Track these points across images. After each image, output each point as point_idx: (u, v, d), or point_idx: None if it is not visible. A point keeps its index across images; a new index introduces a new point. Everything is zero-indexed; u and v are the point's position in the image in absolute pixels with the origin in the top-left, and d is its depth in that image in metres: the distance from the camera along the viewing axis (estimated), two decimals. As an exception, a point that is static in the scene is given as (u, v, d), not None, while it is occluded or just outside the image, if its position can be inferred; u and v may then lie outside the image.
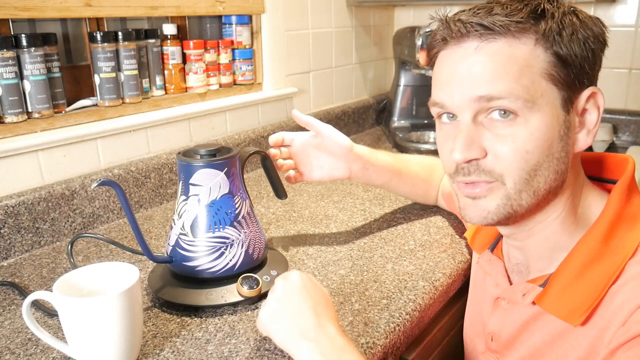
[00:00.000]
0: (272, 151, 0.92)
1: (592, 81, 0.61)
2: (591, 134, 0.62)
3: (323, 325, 0.60)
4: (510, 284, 0.72)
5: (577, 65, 0.59)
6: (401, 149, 1.60)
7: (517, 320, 0.69)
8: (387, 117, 1.82)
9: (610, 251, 0.60)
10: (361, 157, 0.93)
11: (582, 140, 0.62)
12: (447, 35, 0.61)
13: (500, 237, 0.77)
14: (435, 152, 1.60)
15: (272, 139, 0.92)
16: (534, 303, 0.66)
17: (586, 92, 0.61)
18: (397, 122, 1.76)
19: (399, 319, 0.74)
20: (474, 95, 0.59)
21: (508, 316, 0.70)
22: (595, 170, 0.70)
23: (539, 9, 0.58)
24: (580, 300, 0.60)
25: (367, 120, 1.89)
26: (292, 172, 0.93)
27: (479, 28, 0.58)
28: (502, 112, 0.59)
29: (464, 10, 0.61)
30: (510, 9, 0.58)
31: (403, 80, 1.75)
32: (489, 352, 0.75)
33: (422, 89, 1.75)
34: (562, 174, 0.61)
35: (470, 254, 0.94)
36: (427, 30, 1.52)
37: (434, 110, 0.66)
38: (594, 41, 0.59)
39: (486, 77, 0.59)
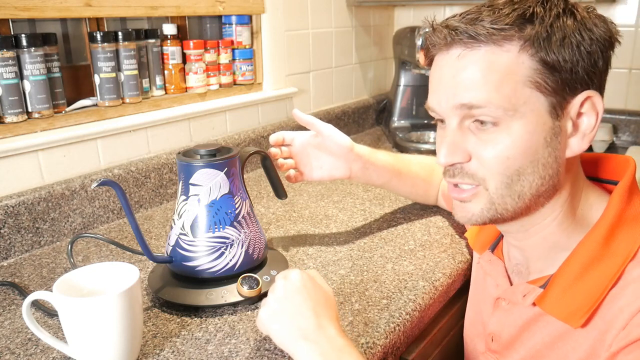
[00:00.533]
0: (273, 150, 0.92)
1: (590, 84, 0.59)
2: (587, 138, 0.61)
3: (323, 326, 0.60)
4: (511, 284, 0.73)
5: (567, 70, 0.57)
6: (401, 149, 1.60)
7: (518, 321, 0.69)
8: (387, 117, 1.82)
9: (610, 253, 0.60)
10: (361, 156, 0.93)
11: (576, 145, 0.61)
12: (435, 42, 0.62)
13: (500, 237, 0.77)
14: (435, 152, 1.59)
15: (273, 138, 0.92)
16: (534, 304, 0.66)
17: (581, 96, 0.59)
18: (397, 122, 1.76)
19: (399, 319, 0.74)
20: (457, 103, 0.60)
21: (508, 317, 0.70)
22: (596, 171, 0.70)
23: (528, 13, 0.57)
24: (581, 302, 0.60)
25: (367, 120, 1.89)
26: (292, 172, 0.93)
27: (462, 36, 0.58)
28: (481, 122, 0.60)
29: (455, 16, 0.61)
30: (498, 15, 0.57)
31: (403, 80, 1.75)
32: (489, 352, 0.75)
33: (422, 89, 1.75)
34: (550, 178, 0.61)
35: (471, 254, 0.94)
36: (427, 30, 1.52)
37: (430, 113, 0.67)
38: (592, 43, 0.58)
39: (466, 85, 0.59)
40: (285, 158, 0.93)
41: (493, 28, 0.57)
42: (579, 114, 0.61)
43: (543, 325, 0.65)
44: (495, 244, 0.78)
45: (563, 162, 0.62)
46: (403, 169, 0.99)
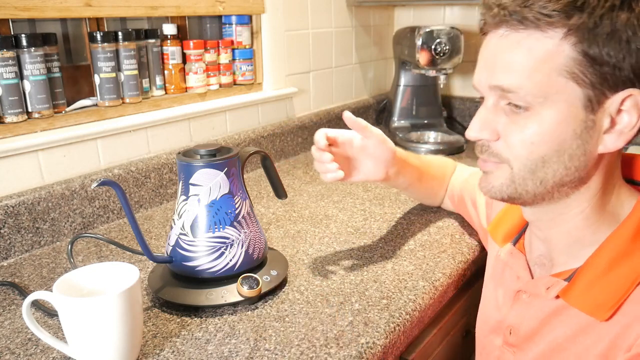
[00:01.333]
0: (325, 157, 0.83)
1: (636, 83, 0.56)
2: (624, 137, 0.58)
3: None
4: (532, 277, 0.72)
5: (610, 65, 0.55)
6: (401, 148, 1.59)
7: (539, 314, 0.68)
8: (387, 117, 1.82)
9: (639, 249, 0.60)
10: (401, 160, 0.92)
11: (611, 142, 0.59)
12: (487, 19, 0.61)
13: (523, 231, 0.77)
14: (434, 152, 1.60)
15: (322, 140, 0.84)
16: (557, 297, 0.65)
17: (623, 93, 0.57)
18: (397, 122, 1.76)
19: (399, 319, 0.75)
20: (492, 84, 0.60)
21: (529, 309, 0.70)
22: (631, 172, 0.69)
23: (580, 2, 0.55)
24: (608, 296, 0.60)
25: (367, 120, 1.86)
26: (339, 173, 0.83)
27: (510, 17, 0.58)
28: (515, 105, 0.60)
29: None
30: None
31: (403, 80, 1.75)
32: (506, 345, 0.74)
33: (422, 89, 1.75)
34: (576, 170, 0.60)
35: (481, 249, 0.94)
36: (427, 30, 1.52)
37: (475, 91, 0.66)
38: None
39: (503, 66, 0.59)
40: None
41: (540, 13, 0.56)
42: (619, 111, 0.58)
43: (565, 318, 0.65)
44: (517, 238, 0.77)
45: (594, 157, 0.60)
46: (424, 171, 0.99)
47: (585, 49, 0.55)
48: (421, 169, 0.98)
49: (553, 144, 0.59)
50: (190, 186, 0.76)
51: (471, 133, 0.64)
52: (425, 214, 1.10)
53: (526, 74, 0.57)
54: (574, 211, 0.64)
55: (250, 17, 1.41)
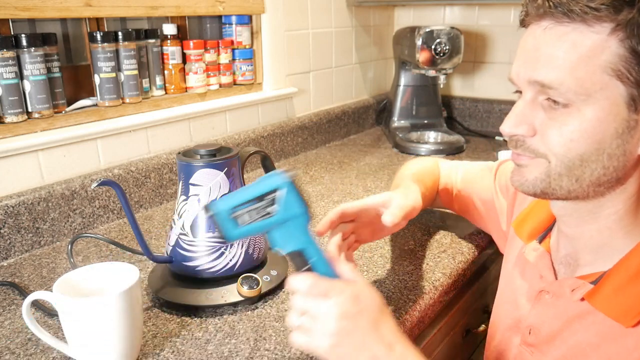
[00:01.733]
0: (335, 244, 0.73)
1: None
2: None
3: (391, 345, 0.56)
4: (556, 277, 0.70)
5: None
6: (401, 148, 1.60)
7: (561, 316, 0.66)
8: (387, 117, 1.82)
9: None
10: (421, 206, 0.88)
11: None
12: (530, 11, 0.60)
13: (549, 230, 0.75)
14: (434, 152, 1.59)
15: (332, 247, 0.72)
16: (582, 299, 0.63)
17: None
18: (397, 122, 1.76)
19: (399, 319, 0.75)
20: (531, 78, 0.59)
21: (551, 310, 0.68)
22: None
23: None
24: (636, 301, 0.58)
25: (367, 120, 1.89)
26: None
27: (555, 10, 0.56)
28: (554, 101, 0.58)
29: None
30: None
31: (403, 80, 1.75)
32: (524, 345, 0.72)
33: (422, 89, 1.75)
34: (614, 170, 0.59)
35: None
36: (427, 30, 1.52)
37: (511, 84, 0.65)
38: None
39: (544, 61, 0.57)
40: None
41: (588, 6, 0.54)
42: None
43: (589, 323, 0.63)
44: (543, 236, 0.75)
45: (633, 158, 0.59)
46: (424, 189, 0.95)
47: (634, 45, 0.53)
48: (424, 192, 0.95)
49: (593, 142, 0.57)
50: (190, 186, 0.76)
51: (506, 129, 0.61)
52: (425, 213, 1.10)
53: (568, 70, 0.55)
54: (607, 211, 0.62)
55: (250, 17, 1.41)
